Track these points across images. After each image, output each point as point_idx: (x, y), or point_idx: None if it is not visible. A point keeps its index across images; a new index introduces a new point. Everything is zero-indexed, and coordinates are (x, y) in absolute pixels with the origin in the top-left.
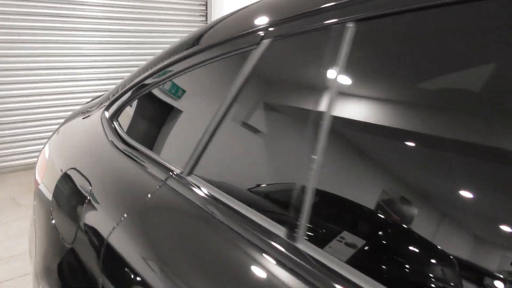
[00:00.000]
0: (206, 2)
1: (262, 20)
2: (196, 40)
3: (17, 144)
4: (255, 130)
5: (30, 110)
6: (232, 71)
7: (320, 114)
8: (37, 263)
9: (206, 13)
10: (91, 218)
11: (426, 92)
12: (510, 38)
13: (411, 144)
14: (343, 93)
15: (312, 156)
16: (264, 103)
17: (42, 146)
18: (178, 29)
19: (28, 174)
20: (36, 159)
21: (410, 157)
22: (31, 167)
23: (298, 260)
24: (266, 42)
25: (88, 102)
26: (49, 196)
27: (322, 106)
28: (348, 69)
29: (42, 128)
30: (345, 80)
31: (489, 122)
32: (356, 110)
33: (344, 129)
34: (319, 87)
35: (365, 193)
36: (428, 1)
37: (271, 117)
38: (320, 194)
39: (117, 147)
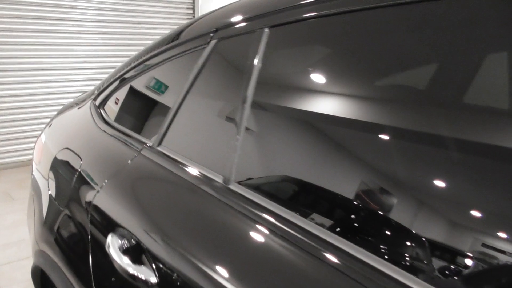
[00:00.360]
0: (193, 7)
1: (213, 25)
2: (169, 39)
3: (11, 142)
4: (204, 110)
5: (22, 109)
6: (191, 65)
7: (245, 94)
8: (36, 230)
9: (193, 16)
10: (81, 185)
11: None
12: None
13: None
14: (261, 82)
15: (239, 123)
16: (211, 90)
17: (34, 144)
18: (166, 32)
19: (21, 171)
20: (30, 156)
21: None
22: (24, 164)
23: (232, 198)
24: (213, 42)
25: (80, 96)
26: (46, 172)
27: (245, 89)
28: (264, 63)
29: (34, 127)
30: (263, 72)
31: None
32: (268, 93)
33: (259, 98)
34: (243, 77)
35: (277, 143)
36: (322, 11)
37: (214, 99)
38: (245, 149)
39: (102, 129)
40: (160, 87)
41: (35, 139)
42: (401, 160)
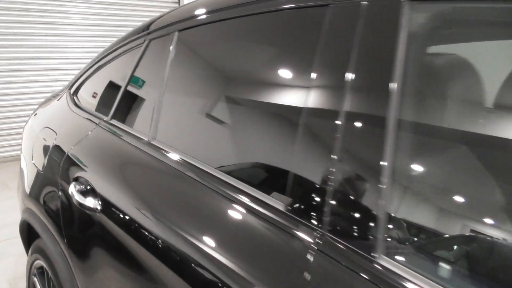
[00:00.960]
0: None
1: (147, 27)
2: (124, 38)
3: (8, 137)
4: (142, 93)
5: (19, 107)
6: (133, 58)
7: (162, 81)
8: (23, 193)
9: None
10: (55, 152)
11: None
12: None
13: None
14: (173, 74)
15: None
16: (145, 76)
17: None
18: None
19: (17, 164)
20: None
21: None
22: (19, 158)
23: (154, 150)
24: (146, 42)
25: (59, 89)
26: (31, 147)
27: (162, 77)
28: (173, 61)
29: None
30: (174, 66)
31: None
32: (176, 81)
33: (171, 84)
34: (162, 70)
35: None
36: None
37: (148, 84)
38: (163, 114)
39: (73, 111)
40: (115, 76)
41: None
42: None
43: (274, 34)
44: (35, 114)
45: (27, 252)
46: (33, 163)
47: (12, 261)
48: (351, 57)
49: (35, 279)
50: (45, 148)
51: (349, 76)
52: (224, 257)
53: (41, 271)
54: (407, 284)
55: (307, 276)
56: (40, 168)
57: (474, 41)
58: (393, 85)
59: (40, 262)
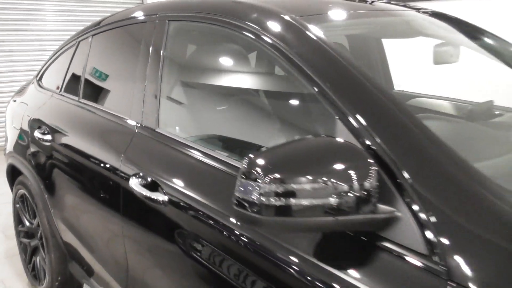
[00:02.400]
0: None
1: (91, 27)
2: (66, 42)
3: None
4: (76, 74)
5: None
6: (70, 55)
7: (84, 67)
8: (8, 145)
9: None
10: (26, 114)
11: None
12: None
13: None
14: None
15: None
16: (78, 67)
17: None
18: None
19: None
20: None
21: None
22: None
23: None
24: (92, 37)
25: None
26: (11, 115)
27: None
28: (90, 62)
29: None
30: (91, 57)
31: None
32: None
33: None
34: (84, 60)
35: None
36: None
37: (80, 70)
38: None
39: (37, 89)
40: (62, 66)
41: None
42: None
43: (131, 37)
44: (14, 100)
45: (11, 188)
46: (14, 127)
47: (4, 217)
48: (156, 60)
49: (18, 205)
50: (20, 114)
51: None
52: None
53: (22, 200)
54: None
55: None
56: (18, 128)
57: (197, 43)
58: (161, 64)
59: (22, 191)
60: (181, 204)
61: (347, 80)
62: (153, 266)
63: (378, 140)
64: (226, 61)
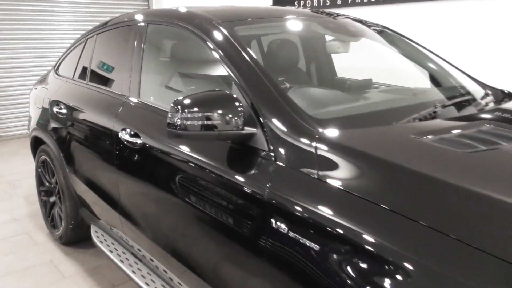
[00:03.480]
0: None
1: (97, 27)
2: (80, 37)
3: (14, 119)
4: (86, 65)
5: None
6: (80, 49)
7: (90, 60)
8: (32, 126)
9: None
10: (46, 96)
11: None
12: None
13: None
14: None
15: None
16: (87, 59)
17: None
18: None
19: (23, 140)
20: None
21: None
22: (25, 136)
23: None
24: (97, 36)
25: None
26: (34, 98)
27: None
28: (95, 54)
29: None
30: (96, 51)
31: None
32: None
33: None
34: (91, 55)
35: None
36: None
37: (89, 62)
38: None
39: (54, 76)
40: (75, 58)
41: None
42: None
43: (123, 36)
44: (36, 88)
45: (34, 157)
46: (36, 107)
47: (25, 188)
48: (138, 55)
49: (40, 170)
50: (42, 97)
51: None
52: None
53: (43, 165)
54: None
55: None
56: (40, 107)
57: (164, 39)
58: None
59: (43, 157)
60: (149, 144)
61: (243, 64)
62: (135, 191)
63: (252, 96)
64: (181, 51)
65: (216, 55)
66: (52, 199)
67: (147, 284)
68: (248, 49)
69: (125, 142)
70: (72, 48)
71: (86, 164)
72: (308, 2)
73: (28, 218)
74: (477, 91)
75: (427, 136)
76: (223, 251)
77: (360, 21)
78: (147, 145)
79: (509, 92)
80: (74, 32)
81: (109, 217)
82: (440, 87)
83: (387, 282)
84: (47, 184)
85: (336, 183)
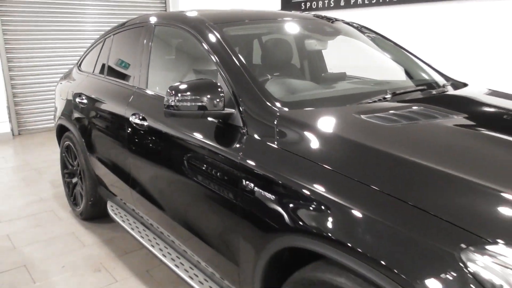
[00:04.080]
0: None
1: (113, 29)
2: (99, 37)
3: (38, 115)
4: (103, 63)
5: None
6: (99, 48)
7: (107, 58)
8: (58, 115)
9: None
10: (71, 89)
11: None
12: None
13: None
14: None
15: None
16: (105, 57)
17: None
18: None
19: (48, 133)
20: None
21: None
22: (49, 129)
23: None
24: (113, 36)
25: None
26: (60, 91)
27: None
28: (112, 52)
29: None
30: (113, 50)
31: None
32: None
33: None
34: (108, 53)
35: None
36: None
37: (106, 59)
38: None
39: (78, 73)
40: (94, 55)
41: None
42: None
43: (135, 36)
44: (61, 83)
45: (59, 143)
46: (61, 99)
47: (50, 175)
48: (146, 52)
49: (64, 154)
50: (66, 90)
51: (146, 53)
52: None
53: (66, 150)
54: None
55: None
56: (65, 99)
57: (168, 38)
58: (148, 55)
59: (67, 143)
60: (154, 126)
61: (227, 58)
62: (142, 166)
63: (232, 84)
64: (181, 48)
65: (207, 50)
66: (74, 180)
67: (152, 246)
68: (232, 46)
69: (135, 125)
70: (92, 47)
71: (103, 147)
72: (314, 4)
73: (53, 199)
74: (436, 82)
75: (365, 115)
76: (212, 208)
77: (355, 26)
78: (152, 127)
79: (464, 84)
80: (95, 33)
81: (122, 192)
82: (405, 79)
83: (327, 222)
84: (70, 167)
85: (290, 149)
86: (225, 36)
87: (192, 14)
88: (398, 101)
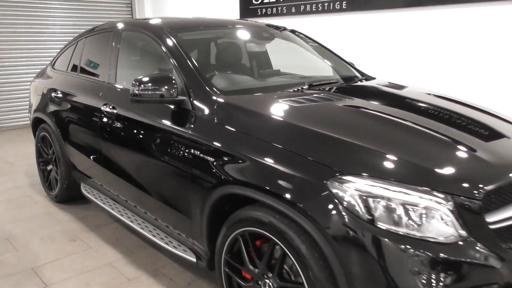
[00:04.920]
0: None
1: (85, 33)
2: (72, 39)
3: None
4: (76, 61)
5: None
6: (72, 50)
7: (79, 58)
8: (33, 109)
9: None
10: (46, 86)
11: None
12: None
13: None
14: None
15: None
16: (77, 58)
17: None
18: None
19: (15, 131)
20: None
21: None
22: (15, 127)
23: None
24: (85, 39)
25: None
26: (35, 89)
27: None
28: (84, 53)
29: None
30: (84, 52)
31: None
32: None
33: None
34: (80, 54)
35: None
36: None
37: (75, 59)
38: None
39: (52, 71)
40: (67, 56)
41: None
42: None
43: (105, 39)
44: (34, 80)
45: (34, 135)
46: (37, 94)
47: (24, 166)
48: (115, 52)
49: (39, 144)
50: (41, 86)
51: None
52: None
53: (42, 140)
54: None
55: None
56: (40, 95)
57: (133, 42)
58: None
59: (43, 134)
60: (121, 113)
61: (180, 57)
62: (111, 146)
63: (183, 77)
64: (145, 49)
65: (165, 52)
66: (49, 167)
67: (121, 215)
68: (185, 48)
69: (106, 113)
70: (65, 49)
71: (78, 134)
72: (269, 10)
73: (28, 186)
74: (351, 76)
75: (283, 99)
76: (169, 175)
77: (296, 33)
78: (120, 114)
79: (373, 78)
80: (63, 35)
81: (95, 172)
82: (332, 74)
83: (248, 173)
84: (45, 155)
85: (225, 124)
86: (179, 40)
87: (153, 21)
88: (311, 90)
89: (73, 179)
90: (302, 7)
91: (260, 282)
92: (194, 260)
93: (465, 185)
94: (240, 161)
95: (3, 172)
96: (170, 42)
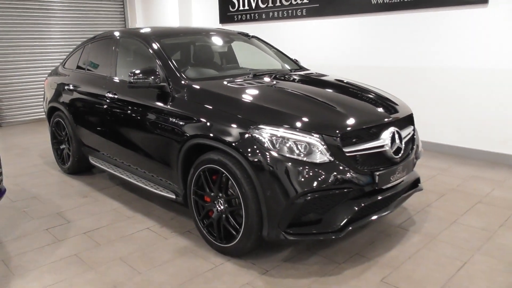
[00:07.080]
0: (124, 17)
1: (90, 39)
2: (78, 45)
3: (21, 107)
4: (82, 63)
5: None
6: (79, 53)
7: (86, 61)
8: (48, 101)
9: (124, 24)
10: (58, 81)
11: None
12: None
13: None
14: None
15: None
16: (84, 60)
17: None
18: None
19: (27, 125)
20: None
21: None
22: (27, 122)
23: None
24: (91, 44)
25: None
26: (49, 84)
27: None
28: (90, 54)
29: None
30: (89, 56)
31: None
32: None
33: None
34: (86, 58)
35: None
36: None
37: (81, 61)
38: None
39: (63, 69)
40: (76, 58)
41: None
42: None
43: (106, 45)
44: (47, 78)
45: (49, 122)
46: (51, 88)
47: (38, 151)
48: (115, 54)
49: (53, 128)
50: (55, 81)
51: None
52: None
53: (56, 125)
54: None
55: None
56: (54, 89)
57: (128, 47)
58: (115, 61)
59: (57, 119)
60: (121, 97)
61: (162, 56)
62: (114, 122)
63: (164, 70)
64: (137, 51)
65: (151, 53)
66: (62, 146)
67: (122, 175)
68: (166, 50)
69: (109, 99)
70: (74, 52)
71: (86, 117)
72: (244, 17)
73: (44, 164)
74: (292, 69)
75: (230, 83)
76: (155, 137)
77: (257, 38)
78: (120, 98)
79: (307, 69)
80: (63, 41)
81: (100, 144)
82: (280, 68)
83: (205, 128)
84: (59, 137)
85: (191, 100)
86: (162, 44)
87: (143, 30)
88: (254, 78)
89: (82, 153)
90: (271, 13)
91: (215, 202)
92: (174, 197)
93: (331, 129)
94: (200, 122)
95: (21, 155)
96: (155, 46)
